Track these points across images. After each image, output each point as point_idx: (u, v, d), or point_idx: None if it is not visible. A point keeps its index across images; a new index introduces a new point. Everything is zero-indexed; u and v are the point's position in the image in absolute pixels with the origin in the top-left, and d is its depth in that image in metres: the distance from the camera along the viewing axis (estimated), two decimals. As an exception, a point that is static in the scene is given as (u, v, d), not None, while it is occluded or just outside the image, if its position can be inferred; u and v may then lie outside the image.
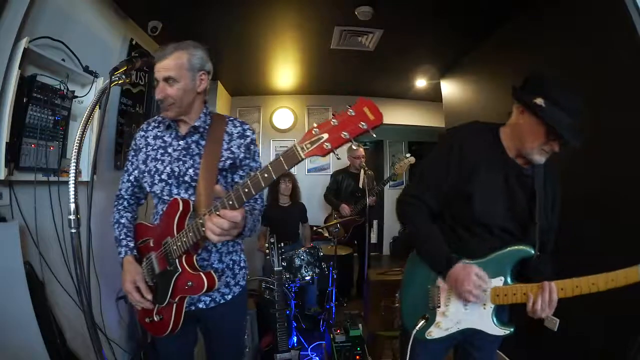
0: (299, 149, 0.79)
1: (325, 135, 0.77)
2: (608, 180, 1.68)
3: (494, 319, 1.16)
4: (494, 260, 1.14)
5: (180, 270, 1.10)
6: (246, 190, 0.89)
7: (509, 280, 1.13)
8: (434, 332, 1.21)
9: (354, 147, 3.65)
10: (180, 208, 1.11)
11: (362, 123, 0.75)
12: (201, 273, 1.08)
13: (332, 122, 0.77)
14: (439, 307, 1.21)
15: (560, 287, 1.06)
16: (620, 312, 1.58)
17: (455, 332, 1.19)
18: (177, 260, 1.10)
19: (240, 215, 0.93)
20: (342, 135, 0.76)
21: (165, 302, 1.13)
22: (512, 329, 1.17)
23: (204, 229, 0.98)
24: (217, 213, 0.93)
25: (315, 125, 0.79)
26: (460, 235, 1.20)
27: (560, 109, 1.04)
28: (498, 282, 1.14)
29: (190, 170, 1.18)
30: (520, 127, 1.12)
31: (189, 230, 1.04)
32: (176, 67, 1.13)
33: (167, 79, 1.13)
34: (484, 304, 1.15)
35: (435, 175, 1.21)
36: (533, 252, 1.12)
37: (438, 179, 1.20)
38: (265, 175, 0.85)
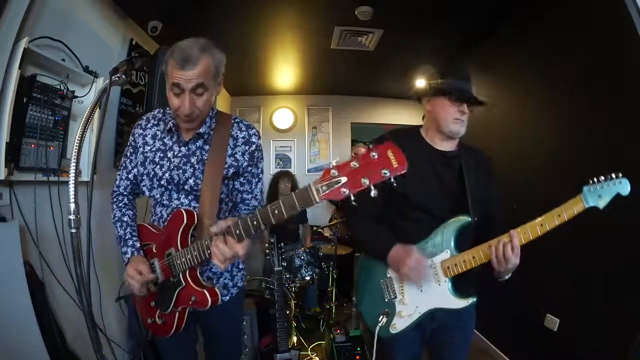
0: (313, 191, 0.75)
1: (344, 179, 0.73)
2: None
3: (452, 293, 1.18)
4: (435, 237, 1.21)
5: (184, 284, 1.09)
6: (254, 222, 0.87)
7: (454, 251, 1.19)
8: (398, 324, 1.22)
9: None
10: (185, 221, 1.07)
11: (385, 171, 0.70)
12: (205, 291, 1.07)
13: (352, 165, 0.72)
14: (395, 297, 1.24)
15: (507, 239, 1.09)
16: (620, 311, 1.59)
17: (418, 318, 1.21)
18: (180, 273, 1.08)
19: (242, 250, 0.92)
20: (362, 182, 0.71)
21: (169, 311, 1.13)
22: (474, 299, 1.19)
23: (209, 251, 0.97)
24: (224, 239, 0.92)
25: (334, 164, 0.74)
26: (403, 227, 1.25)
27: (452, 78, 1.22)
28: (445, 255, 1.19)
29: (191, 180, 1.14)
30: (432, 112, 1.28)
31: (193, 249, 1.03)
32: (206, 74, 1.02)
33: (196, 89, 1.03)
34: (438, 281, 1.19)
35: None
36: (469, 218, 1.18)
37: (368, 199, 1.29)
38: (276, 211, 0.82)
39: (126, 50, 2.36)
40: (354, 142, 4.89)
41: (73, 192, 0.89)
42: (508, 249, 1.07)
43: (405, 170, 0.71)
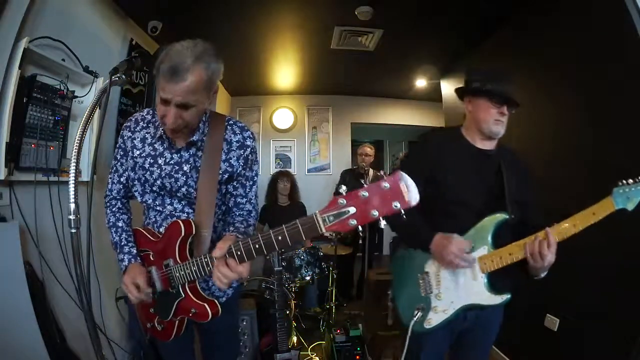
0: (320, 221, 0.73)
1: (352, 210, 0.70)
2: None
3: (488, 288, 1.20)
4: (474, 233, 1.22)
5: (183, 295, 1.08)
6: (257, 246, 0.86)
7: (492, 247, 1.20)
8: (433, 319, 1.24)
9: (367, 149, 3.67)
10: (183, 233, 1.05)
11: (396, 203, 0.68)
12: (205, 304, 1.06)
13: (361, 195, 0.69)
14: (432, 292, 1.25)
15: (542, 237, 1.12)
16: (620, 312, 1.59)
17: (453, 314, 1.23)
18: (180, 285, 1.07)
19: (246, 271, 0.92)
20: (371, 214, 0.69)
21: (168, 319, 1.12)
22: (508, 296, 1.19)
23: (209, 268, 0.98)
24: (225, 262, 0.93)
25: (343, 192, 0.72)
26: (441, 220, 1.28)
27: (491, 80, 1.27)
28: (482, 251, 1.21)
29: (184, 189, 1.12)
30: (473, 113, 1.32)
31: (193, 264, 1.02)
32: (197, 90, 0.95)
33: (182, 105, 0.96)
34: (474, 276, 1.21)
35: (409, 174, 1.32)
36: (507, 215, 1.20)
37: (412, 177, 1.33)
38: (280, 238, 0.81)
39: (126, 50, 2.36)
40: (354, 142, 4.89)
41: (73, 192, 0.89)
42: (544, 245, 1.09)
43: (415, 204, 0.69)
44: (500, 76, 1.29)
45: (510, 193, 1.22)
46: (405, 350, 1.24)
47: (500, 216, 1.20)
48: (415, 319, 1.23)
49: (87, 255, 0.91)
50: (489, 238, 1.20)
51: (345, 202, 0.71)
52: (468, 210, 1.24)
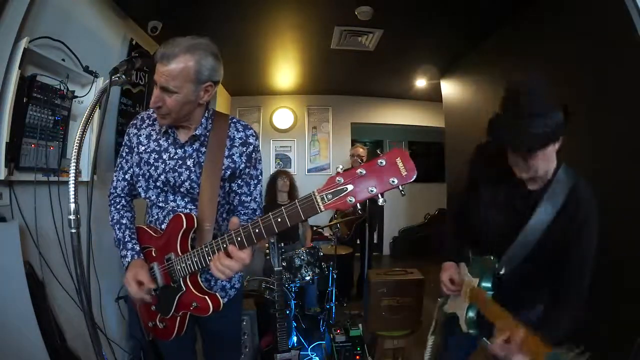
0: (318, 200, 0.73)
1: (350, 187, 0.70)
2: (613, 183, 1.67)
3: (467, 313, 1.21)
4: (478, 263, 1.25)
5: (184, 289, 1.08)
6: (257, 230, 0.86)
7: (482, 284, 1.18)
8: (448, 307, 1.39)
9: (359, 149, 3.67)
10: (184, 226, 1.06)
11: (393, 179, 0.68)
12: (206, 297, 1.06)
13: (358, 172, 0.70)
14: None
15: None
16: (620, 313, 1.59)
17: (450, 312, 1.33)
18: (181, 279, 1.08)
19: (248, 257, 0.92)
20: (369, 191, 0.69)
21: (169, 315, 1.12)
22: (474, 331, 1.19)
23: (210, 257, 0.98)
24: (226, 252, 0.92)
25: (340, 170, 0.72)
26: (467, 241, 1.34)
27: (502, 125, 1.01)
28: (474, 283, 1.22)
29: (187, 183, 1.13)
30: None
31: (194, 255, 1.03)
32: (179, 76, 0.99)
33: (164, 88, 1.00)
34: (464, 299, 1.25)
35: (459, 193, 1.43)
36: (496, 266, 1.16)
37: (461, 197, 1.41)
38: (279, 219, 0.81)
39: (126, 50, 2.35)
40: (354, 142, 4.90)
41: (73, 192, 0.88)
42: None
43: (413, 179, 0.69)
44: (507, 113, 1.02)
45: (518, 244, 1.10)
46: (433, 323, 1.43)
47: (491, 263, 1.16)
48: (441, 300, 1.41)
49: (87, 255, 0.91)
50: (485, 276, 1.18)
51: (342, 180, 0.71)
52: (485, 243, 1.24)
